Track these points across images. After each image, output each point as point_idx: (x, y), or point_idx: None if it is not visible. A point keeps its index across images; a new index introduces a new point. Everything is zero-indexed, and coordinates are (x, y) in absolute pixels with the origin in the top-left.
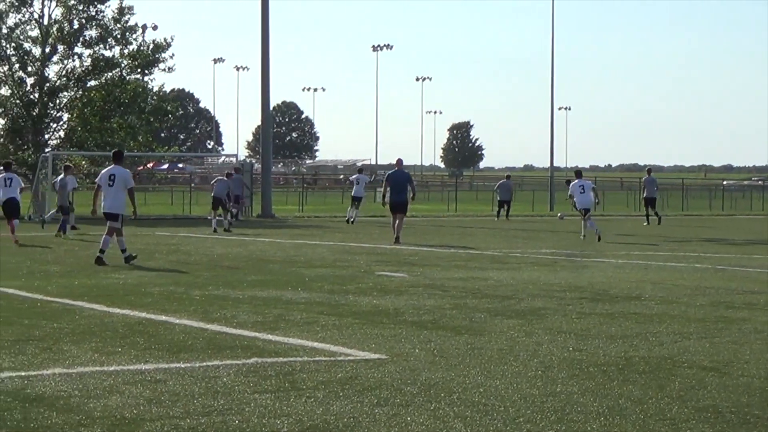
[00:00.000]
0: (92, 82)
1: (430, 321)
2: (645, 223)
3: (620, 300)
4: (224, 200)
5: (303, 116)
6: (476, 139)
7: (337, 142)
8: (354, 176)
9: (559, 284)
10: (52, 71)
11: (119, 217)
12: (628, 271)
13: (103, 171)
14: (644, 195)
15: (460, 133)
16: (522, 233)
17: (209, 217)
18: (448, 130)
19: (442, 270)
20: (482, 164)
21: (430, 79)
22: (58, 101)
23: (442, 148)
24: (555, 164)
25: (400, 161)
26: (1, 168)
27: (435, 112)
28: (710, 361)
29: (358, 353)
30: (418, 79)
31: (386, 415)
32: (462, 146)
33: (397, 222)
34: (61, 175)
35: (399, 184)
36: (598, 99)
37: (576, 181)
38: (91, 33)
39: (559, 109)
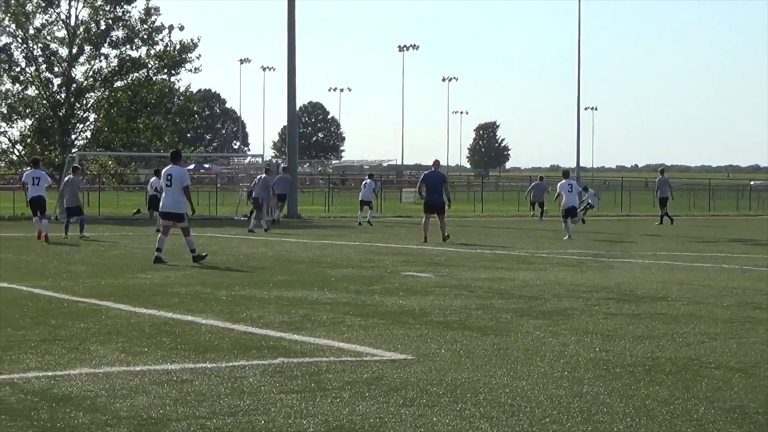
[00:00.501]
0: (119, 83)
1: (456, 321)
2: (657, 223)
3: (647, 300)
4: (262, 201)
5: (329, 116)
6: (502, 140)
7: (363, 143)
8: (365, 180)
9: (586, 285)
10: (78, 72)
11: (184, 217)
12: (655, 271)
13: (162, 171)
14: (658, 195)
15: (486, 133)
16: (548, 233)
17: (244, 217)
18: (474, 130)
19: (469, 270)
20: (508, 164)
21: (457, 80)
22: (84, 102)
23: (468, 149)
24: (581, 164)
25: (437, 162)
26: (30, 165)
27: (461, 113)
28: (737, 362)
29: (384, 353)
30: (444, 80)
31: (412, 416)
32: (488, 147)
33: (427, 222)
34: (70, 175)
35: (435, 184)
36: (624, 99)
37: (564, 181)
38: (118, 34)
39: (586, 109)
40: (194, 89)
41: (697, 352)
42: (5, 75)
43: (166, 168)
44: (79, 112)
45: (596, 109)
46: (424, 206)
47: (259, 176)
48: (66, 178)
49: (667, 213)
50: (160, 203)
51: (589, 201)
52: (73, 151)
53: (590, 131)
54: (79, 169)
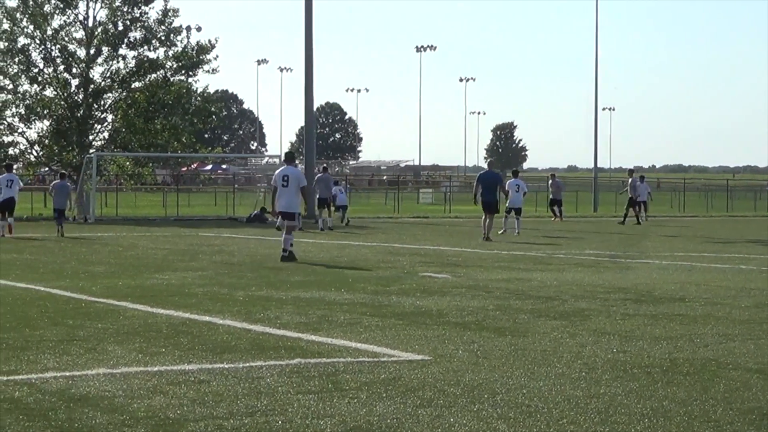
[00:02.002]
0: (136, 84)
1: (474, 322)
2: (635, 223)
3: (664, 301)
4: (329, 200)
5: (346, 117)
6: (520, 140)
7: (380, 143)
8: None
9: (603, 285)
10: (96, 73)
11: (296, 216)
12: (673, 272)
13: (276, 172)
14: (638, 198)
15: (504, 133)
16: (566, 234)
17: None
18: (492, 130)
19: (486, 271)
20: (526, 165)
21: (474, 80)
22: (102, 102)
23: (486, 149)
24: (599, 165)
25: (491, 163)
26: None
27: (478, 113)
28: (755, 363)
29: (401, 354)
30: (461, 80)
31: (429, 416)
32: (505, 147)
33: (487, 221)
34: (57, 180)
35: (489, 184)
36: (642, 99)
37: (512, 180)
38: (136, 35)
39: (603, 109)
40: (212, 90)
41: (714, 353)
42: (23, 76)
43: (281, 169)
44: (96, 113)
45: (614, 109)
46: (483, 206)
47: (318, 176)
48: (53, 183)
49: (637, 214)
50: (278, 203)
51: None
52: (91, 151)
53: (608, 132)
54: (66, 174)
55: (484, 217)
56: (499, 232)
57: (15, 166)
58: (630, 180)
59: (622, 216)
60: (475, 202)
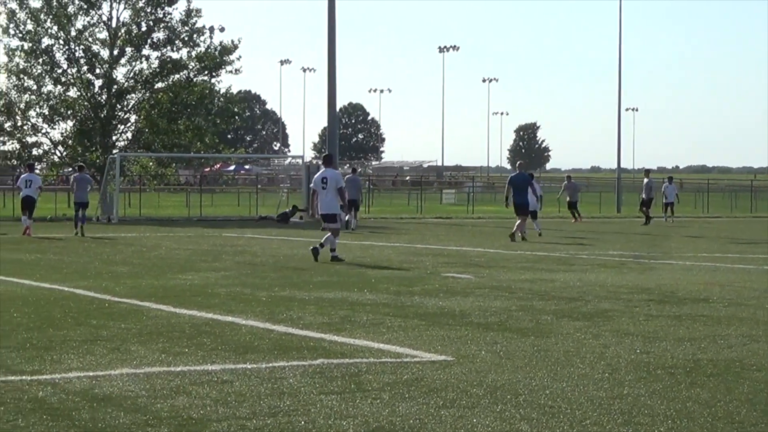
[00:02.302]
0: (159, 84)
1: (497, 323)
2: (643, 224)
3: (688, 302)
4: (358, 201)
5: (369, 117)
6: (543, 141)
7: (403, 144)
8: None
9: (627, 286)
10: (119, 73)
11: (336, 217)
12: (696, 273)
13: (316, 175)
14: (643, 196)
15: (527, 134)
16: (589, 235)
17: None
18: (515, 131)
19: (509, 272)
20: (549, 165)
21: (497, 81)
22: (125, 103)
23: (509, 150)
24: (622, 166)
25: (522, 164)
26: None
27: (501, 114)
28: None
29: (424, 355)
30: (484, 81)
31: (452, 417)
32: (528, 147)
33: (518, 221)
34: (77, 173)
35: (520, 186)
36: (665, 100)
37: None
38: (159, 35)
39: (627, 110)
40: (235, 90)
41: (738, 354)
42: (47, 77)
43: (320, 171)
44: (120, 114)
45: (637, 110)
46: (514, 208)
47: (347, 177)
48: (73, 176)
49: (648, 214)
50: (319, 206)
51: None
52: (114, 152)
53: (631, 132)
54: (85, 167)
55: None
56: (539, 235)
57: (39, 167)
58: (645, 181)
59: (644, 217)
60: (507, 204)
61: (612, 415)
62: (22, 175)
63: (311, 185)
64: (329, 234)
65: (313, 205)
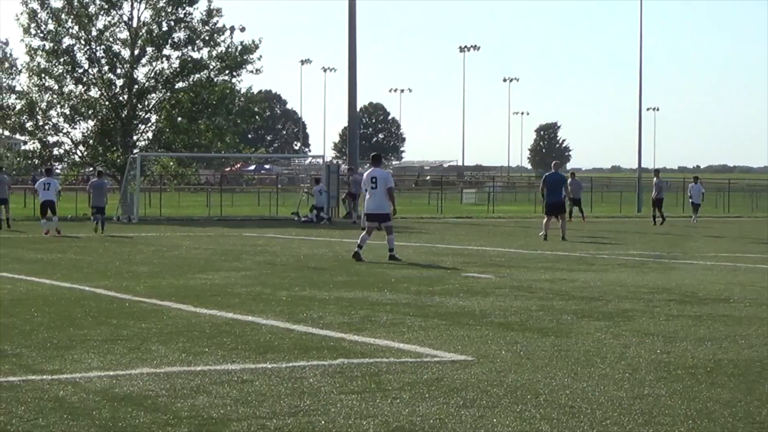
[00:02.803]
0: (180, 84)
1: (517, 322)
2: (653, 224)
3: (709, 302)
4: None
5: (389, 117)
6: (563, 140)
7: (424, 144)
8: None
9: (647, 286)
10: (140, 73)
11: (389, 216)
12: (717, 272)
13: (364, 175)
14: (653, 196)
15: (548, 134)
16: (609, 235)
17: (304, 218)
18: (536, 131)
19: (529, 271)
20: (569, 165)
21: (517, 80)
22: (146, 103)
23: (529, 149)
24: (643, 165)
25: (557, 164)
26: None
27: (522, 113)
28: None
29: (444, 354)
30: (505, 80)
31: (472, 417)
32: (549, 147)
33: (553, 221)
34: (95, 178)
35: (555, 185)
36: (686, 99)
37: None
38: (180, 35)
39: (647, 109)
40: (255, 90)
41: (759, 354)
42: (68, 76)
43: (369, 171)
44: (140, 113)
45: (658, 109)
46: (546, 207)
47: (353, 177)
48: (91, 180)
49: (662, 214)
50: (365, 205)
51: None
52: (135, 151)
53: (652, 132)
54: (103, 173)
55: (546, 219)
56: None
57: (59, 166)
58: (655, 180)
59: (660, 218)
60: (544, 201)
61: (632, 415)
62: (40, 179)
63: (361, 185)
64: (365, 233)
65: (361, 203)
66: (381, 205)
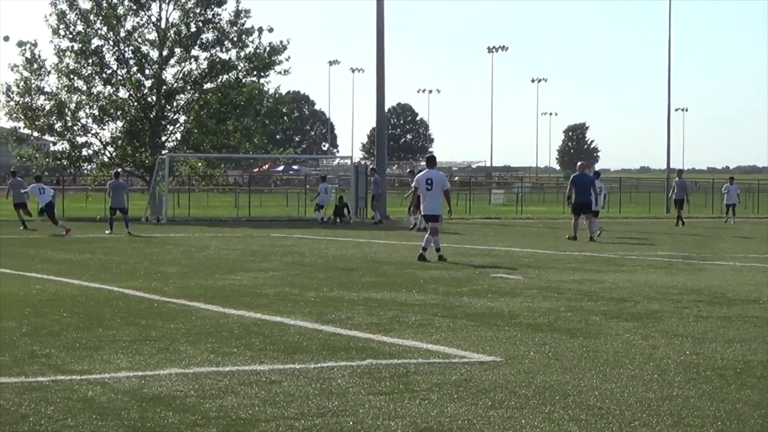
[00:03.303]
0: (208, 85)
1: (545, 323)
2: (676, 225)
3: (738, 303)
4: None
5: (418, 118)
6: (592, 141)
7: (452, 144)
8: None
9: (676, 287)
10: (169, 74)
11: (439, 218)
12: (746, 273)
13: (418, 176)
14: (674, 196)
15: (576, 134)
16: (638, 235)
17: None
18: (564, 131)
19: (558, 272)
20: (598, 166)
21: (546, 81)
22: (174, 103)
23: (558, 150)
24: (671, 166)
25: (583, 165)
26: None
27: (550, 114)
28: None
29: (472, 355)
30: (533, 81)
31: (501, 418)
32: (577, 148)
33: (577, 222)
34: (113, 179)
35: (583, 186)
36: (715, 100)
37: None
38: (208, 36)
39: (676, 110)
40: (283, 91)
41: None
42: (97, 77)
43: (424, 172)
44: (169, 114)
45: (687, 110)
46: (573, 208)
47: (373, 178)
48: (110, 182)
49: (681, 216)
50: (422, 206)
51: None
52: (163, 152)
53: (680, 132)
54: (120, 174)
55: (574, 219)
56: (597, 235)
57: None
58: (676, 180)
59: (675, 219)
60: (569, 203)
61: (661, 416)
62: (33, 185)
63: (413, 184)
64: (428, 234)
65: (414, 203)
66: (436, 206)
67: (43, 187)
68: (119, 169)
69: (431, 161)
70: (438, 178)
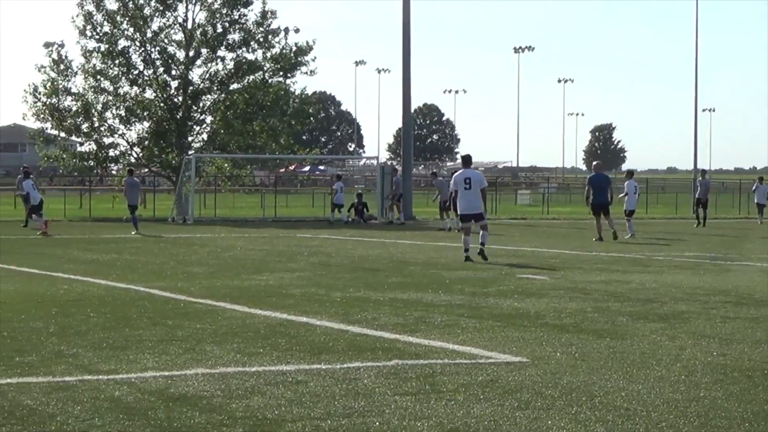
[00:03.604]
0: (235, 85)
1: (572, 324)
2: (696, 226)
3: (766, 304)
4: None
5: (444, 118)
6: (618, 141)
7: (478, 145)
8: (336, 184)
9: (703, 288)
10: (195, 74)
11: (482, 216)
12: None
13: (456, 175)
14: (698, 196)
15: (603, 135)
16: (665, 236)
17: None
18: (590, 132)
19: (584, 273)
20: (624, 166)
21: (572, 81)
22: (201, 104)
23: (584, 150)
24: (698, 166)
25: (598, 165)
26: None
27: (577, 114)
28: None
29: (498, 356)
30: (560, 81)
31: (527, 419)
32: (604, 148)
33: (604, 221)
34: (126, 177)
35: (600, 186)
36: (742, 100)
37: (630, 181)
38: (234, 36)
39: (703, 110)
40: (310, 91)
41: None
42: (123, 78)
43: (461, 171)
44: (195, 115)
45: (714, 110)
46: (592, 208)
47: (395, 178)
48: (124, 180)
49: (698, 215)
50: (458, 206)
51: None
52: (190, 153)
53: (708, 133)
54: (134, 171)
55: (596, 220)
56: (626, 237)
57: (115, 167)
58: (700, 179)
59: (702, 219)
60: (587, 203)
61: (688, 417)
62: (28, 181)
63: (451, 185)
64: (465, 235)
65: (445, 205)
66: (475, 204)
67: (34, 183)
68: (132, 168)
69: (468, 160)
70: (476, 176)
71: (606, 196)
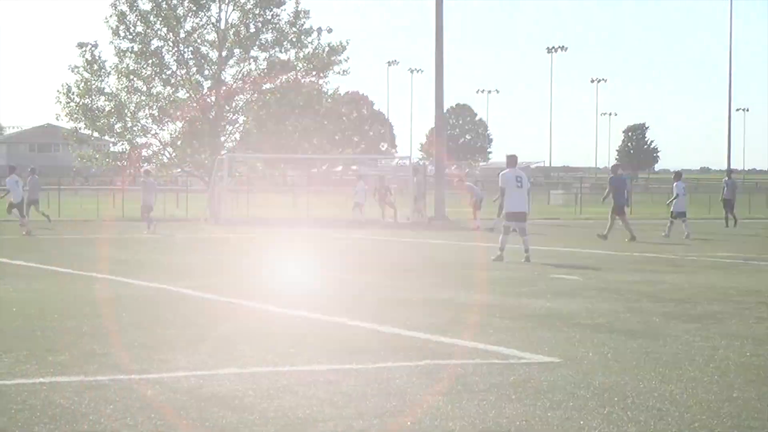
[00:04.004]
0: (267, 85)
1: (604, 324)
2: (726, 227)
3: None
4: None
5: (477, 118)
6: (651, 141)
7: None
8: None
9: (736, 288)
10: (228, 74)
11: (525, 216)
12: None
13: (507, 174)
14: (724, 196)
15: (635, 135)
16: (698, 236)
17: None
18: (623, 132)
19: (617, 273)
20: (657, 166)
21: (605, 81)
22: (234, 104)
23: (617, 150)
24: (732, 166)
25: (615, 166)
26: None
27: (610, 114)
28: None
29: (531, 356)
30: (592, 81)
31: (559, 419)
32: (637, 148)
33: (622, 223)
34: (142, 178)
35: (622, 187)
36: None
37: (678, 182)
38: (267, 36)
39: (737, 110)
40: (342, 91)
41: None
42: (156, 78)
43: (511, 170)
44: (228, 115)
45: (748, 110)
46: (614, 209)
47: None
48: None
49: (734, 215)
50: (507, 204)
51: None
52: (223, 152)
53: (741, 133)
54: (151, 172)
55: (622, 220)
56: (683, 238)
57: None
58: (725, 179)
59: (733, 219)
60: (603, 201)
61: (721, 418)
62: (13, 177)
63: (501, 184)
64: (525, 236)
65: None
66: (525, 203)
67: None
68: (148, 168)
69: (513, 160)
70: (526, 176)
71: (623, 198)
